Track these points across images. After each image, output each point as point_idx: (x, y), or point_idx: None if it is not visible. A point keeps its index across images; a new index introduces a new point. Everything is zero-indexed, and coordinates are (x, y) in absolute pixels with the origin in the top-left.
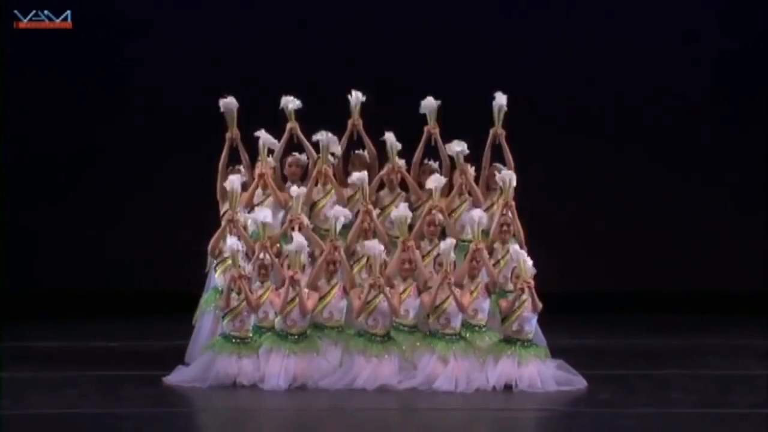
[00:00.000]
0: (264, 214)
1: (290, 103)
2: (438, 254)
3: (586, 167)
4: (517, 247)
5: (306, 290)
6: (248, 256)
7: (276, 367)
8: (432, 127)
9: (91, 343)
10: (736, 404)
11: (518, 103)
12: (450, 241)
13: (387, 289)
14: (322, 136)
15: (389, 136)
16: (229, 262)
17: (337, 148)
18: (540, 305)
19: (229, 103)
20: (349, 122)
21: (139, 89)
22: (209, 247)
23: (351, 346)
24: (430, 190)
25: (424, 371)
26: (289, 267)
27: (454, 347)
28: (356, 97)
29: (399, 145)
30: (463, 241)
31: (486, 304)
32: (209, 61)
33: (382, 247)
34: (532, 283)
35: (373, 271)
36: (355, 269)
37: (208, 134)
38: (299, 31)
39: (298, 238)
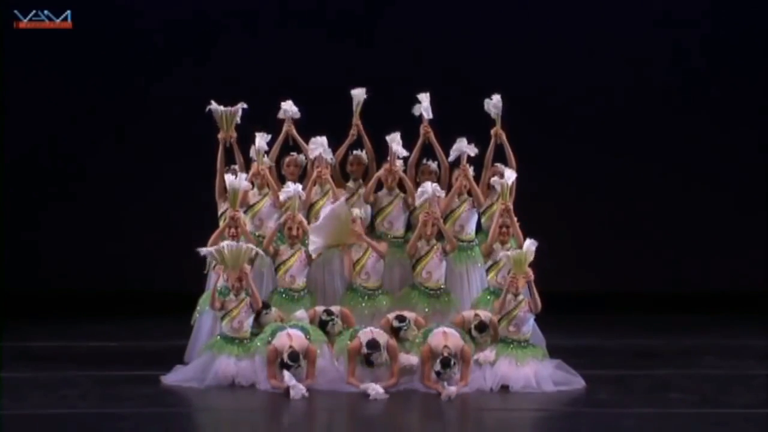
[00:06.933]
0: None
1: (289, 108)
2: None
3: (586, 167)
4: (529, 242)
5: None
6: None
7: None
8: (427, 128)
9: (91, 343)
10: (735, 404)
11: (513, 104)
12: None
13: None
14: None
15: (399, 148)
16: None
17: (330, 155)
18: (540, 305)
19: (215, 109)
20: (353, 122)
21: (139, 89)
22: (208, 246)
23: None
24: None
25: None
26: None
27: None
28: (359, 94)
29: (404, 152)
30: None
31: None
32: (209, 61)
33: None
34: (532, 277)
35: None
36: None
37: (207, 135)
38: (298, 30)
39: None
